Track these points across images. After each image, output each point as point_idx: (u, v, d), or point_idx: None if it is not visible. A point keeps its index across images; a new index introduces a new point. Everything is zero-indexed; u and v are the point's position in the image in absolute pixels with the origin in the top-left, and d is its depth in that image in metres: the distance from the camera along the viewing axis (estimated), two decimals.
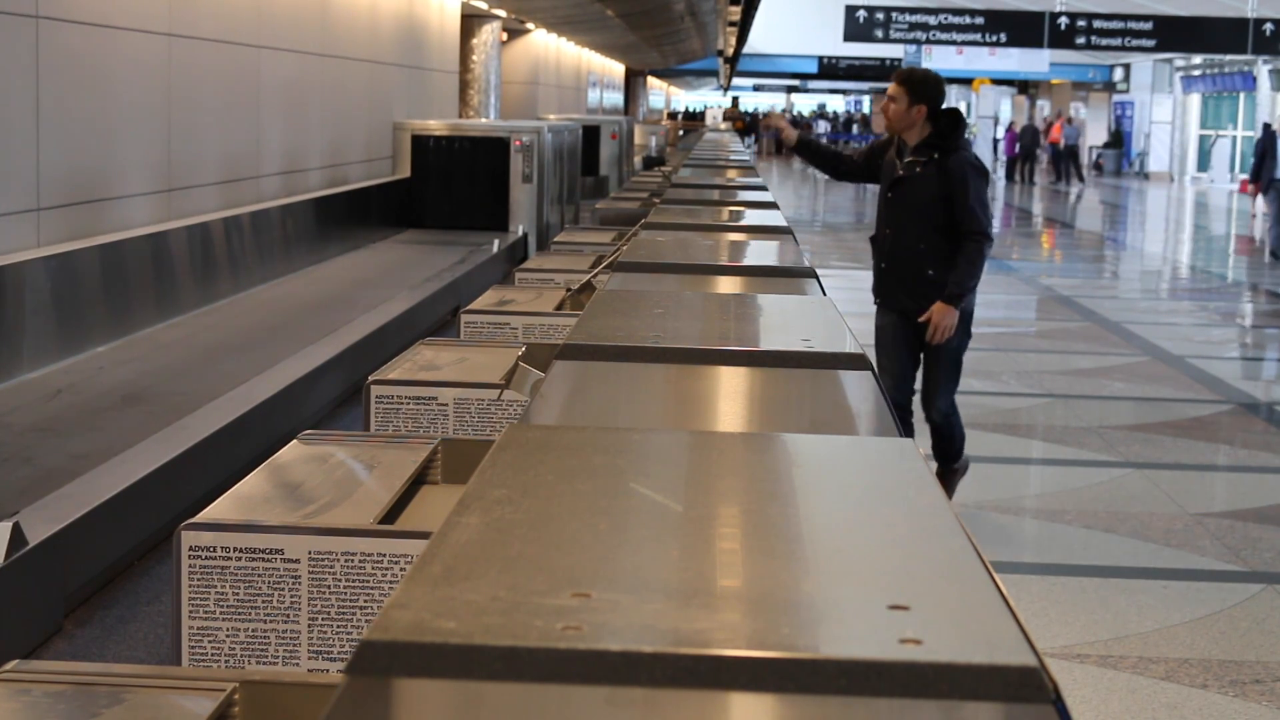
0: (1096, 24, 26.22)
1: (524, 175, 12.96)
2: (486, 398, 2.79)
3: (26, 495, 4.47)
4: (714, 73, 51.82)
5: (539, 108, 22.37)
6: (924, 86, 5.75)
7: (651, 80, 53.12)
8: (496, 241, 11.84)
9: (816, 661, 0.89)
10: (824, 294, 2.85)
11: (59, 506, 4.30)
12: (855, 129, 51.80)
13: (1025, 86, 44.81)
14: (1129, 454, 7.21)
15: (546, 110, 22.72)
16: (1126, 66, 41.38)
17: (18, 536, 3.86)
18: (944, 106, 5.81)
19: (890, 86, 5.81)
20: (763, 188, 6.68)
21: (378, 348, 6.91)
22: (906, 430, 4.24)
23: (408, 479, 2.19)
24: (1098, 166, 40.67)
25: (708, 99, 71.23)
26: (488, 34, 18.39)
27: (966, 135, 5.87)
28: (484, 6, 17.18)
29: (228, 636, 1.87)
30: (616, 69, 37.82)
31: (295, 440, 2.38)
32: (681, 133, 31.35)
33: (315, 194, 10.66)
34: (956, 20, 26.47)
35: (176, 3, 8.32)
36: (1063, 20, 26.02)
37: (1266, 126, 20.68)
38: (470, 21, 17.74)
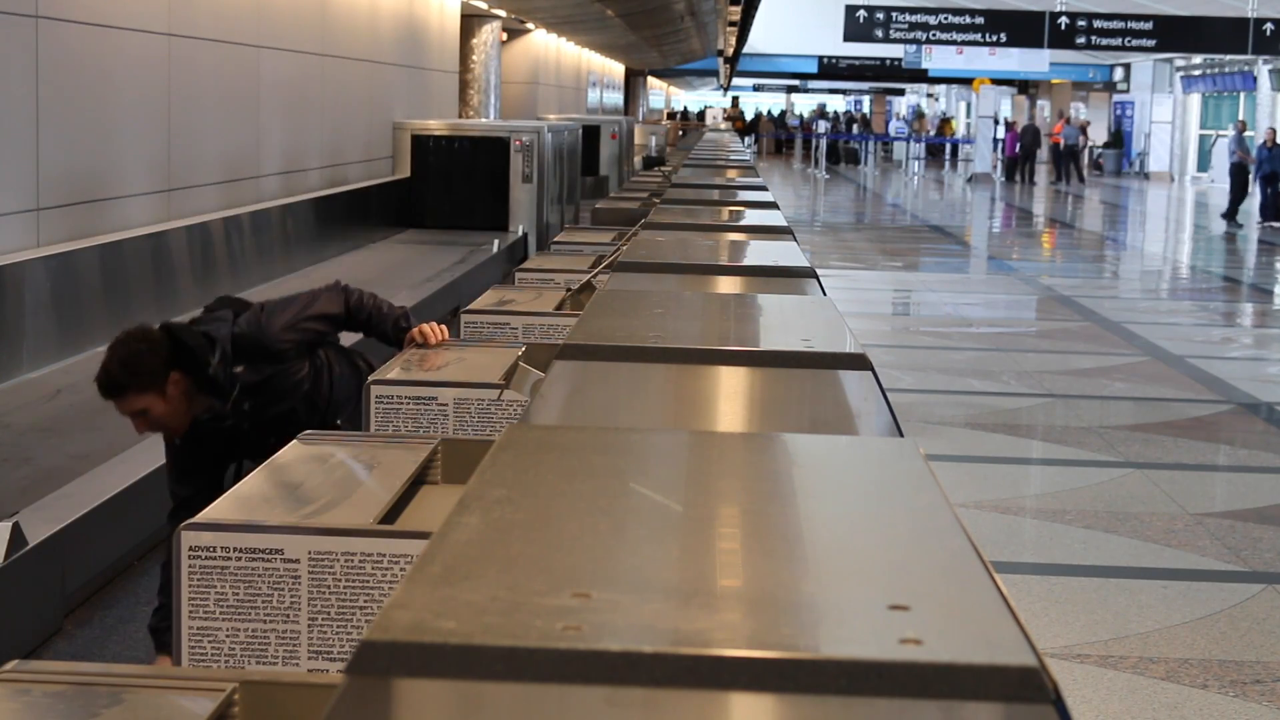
0: (1096, 24, 26.21)
1: (524, 175, 12.97)
2: (486, 398, 2.79)
3: (26, 495, 4.47)
4: (714, 73, 51.81)
5: (539, 108, 22.36)
6: (154, 359, 3.54)
7: (651, 80, 53.11)
8: (496, 241, 11.84)
9: (816, 661, 0.89)
10: (824, 294, 2.85)
11: (59, 506, 4.31)
12: (855, 129, 51.79)
13: (1025, 86, 44.80)
14: (1129, 454, 7.20)
15: (546, 110, 22.71)
16: (1126, 66, 41.36)
17: (18, 536, 3.86)
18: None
19: (122, 404, 3.57)
20: (763, 188, 6.67)
21: (377, 347, 6.91)
22: None
23: (408, 479, 2.19)
24: (1097, 166, 40.66)
25: (708, 99, 71.24)
26: (488, 34, 18.39)
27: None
28: (484, 6, 17.18)
29: (228, 636, 1.87)
30: (616, 69, 37.82)
31: (295, 440, 2.38)
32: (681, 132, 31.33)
33: (315, 194, 10.66)
34: (956, 20, 26.46)
35: (176, 3, 8.32)
36: (1063, 20, 26.01)
37: None
38: (470, 21, 17.74)
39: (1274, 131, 24.26)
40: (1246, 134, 25.64)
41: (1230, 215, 23.55)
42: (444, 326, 3.69)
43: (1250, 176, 23.80)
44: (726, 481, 1.38)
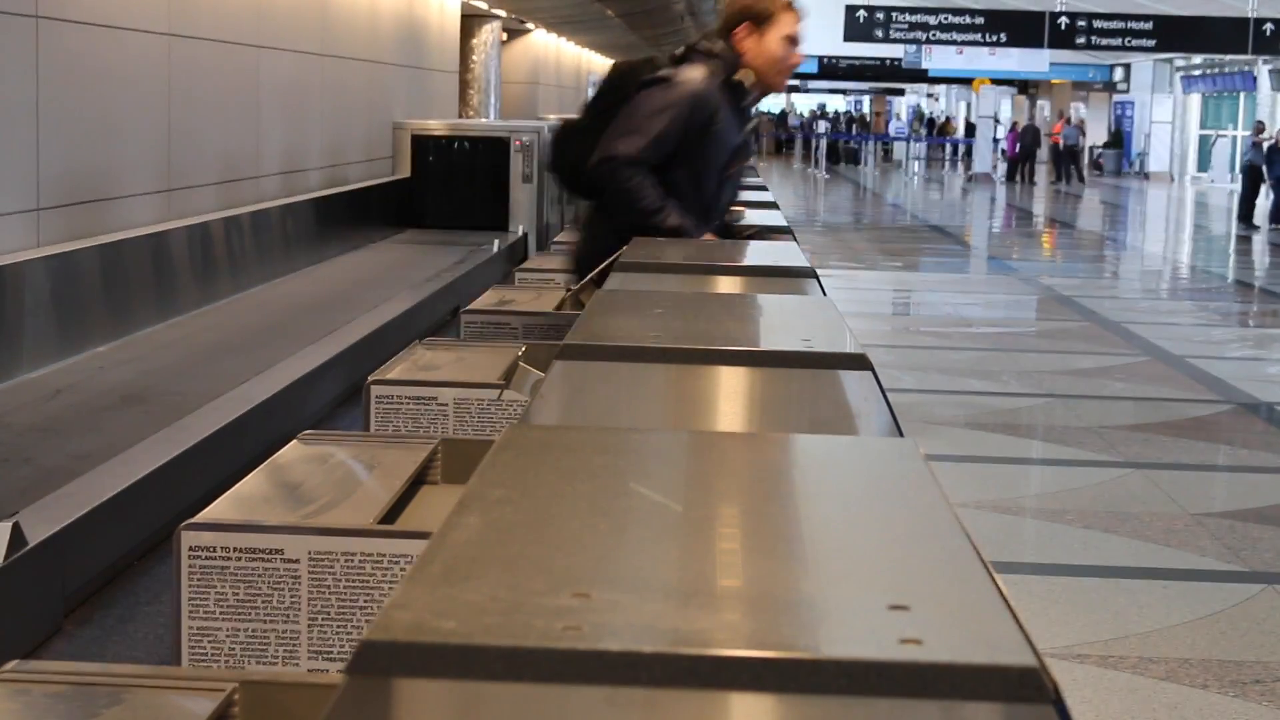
0: (1096, 24, 26.21)
1: (524, 175, 12.97)
2: (486, 398, 2.78)
3: (26, 495, 4.47)
4: None
5: (539, 108, 22.36)
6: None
7: None
8: (496, 241, 11.85)
9: (816, 661, 0.89)
10: (824, 294, 2.85)
11: (59, 506, 4.30)
12: (855, 129, 51.75)
13: (1025, 86, 44.79)
14: (1129, 454, 7.20)
15: (546, 110, 22.71)
16: (1126, 66, 41.36)
17: (18, 536, 3.86)
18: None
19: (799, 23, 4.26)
20: (763, 188, 6.67)
21: (378, 348, 6.91)
22: None
23: (408, 479, 2.19)
24: (1097, 166, 40.64)
25: None
26: (488, 34, 18.39)
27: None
28: (484, 6, 17.19)
29: (228, 636, 1.87)
30: None
31: (295, 440, 2.38)
32: None
33: (315, 194, 10.66)
34: (956, 20, 26.46)
35: (176, 3, 8.32)
36: (1063, 20, 26.01)
37: None
38: (470, 21, 17.74)
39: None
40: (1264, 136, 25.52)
41: (1243, 217, 23.48)
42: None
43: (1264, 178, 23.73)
44: (726, 481, 1.38)
